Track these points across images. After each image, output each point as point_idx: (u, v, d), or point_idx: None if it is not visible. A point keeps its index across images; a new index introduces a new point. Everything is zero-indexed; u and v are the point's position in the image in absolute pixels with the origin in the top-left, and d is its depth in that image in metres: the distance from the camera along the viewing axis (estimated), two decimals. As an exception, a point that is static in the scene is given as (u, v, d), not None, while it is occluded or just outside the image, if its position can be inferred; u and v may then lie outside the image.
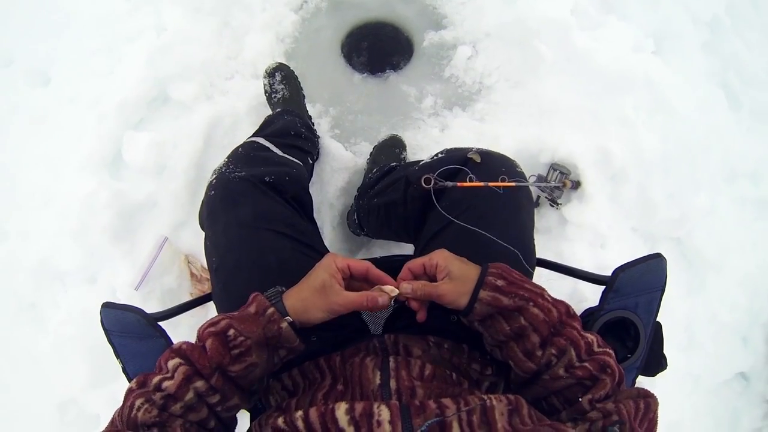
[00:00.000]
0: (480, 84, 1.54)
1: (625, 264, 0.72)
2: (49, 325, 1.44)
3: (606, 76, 1.42)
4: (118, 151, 1.41)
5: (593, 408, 0.51)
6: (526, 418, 0.47)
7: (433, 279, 0.62)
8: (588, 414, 0.51)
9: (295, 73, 1.41)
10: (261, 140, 0.98)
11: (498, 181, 0.72)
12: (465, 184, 0.70)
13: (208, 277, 1.31)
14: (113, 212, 1.33)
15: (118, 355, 0.72)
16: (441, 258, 0.61)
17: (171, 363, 0.53)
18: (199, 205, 0.82)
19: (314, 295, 0.58)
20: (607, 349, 0.56)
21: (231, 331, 0.54)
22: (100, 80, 1.54)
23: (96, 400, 1.37)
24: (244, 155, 0.88)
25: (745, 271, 1.56)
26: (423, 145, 1.48)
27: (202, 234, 1.34)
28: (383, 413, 0.46)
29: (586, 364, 0.53)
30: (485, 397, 0.48)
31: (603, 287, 0.75)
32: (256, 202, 0.76)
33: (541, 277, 0.80)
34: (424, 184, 0.71)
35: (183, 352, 0.54)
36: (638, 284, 0.73)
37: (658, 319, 0.77)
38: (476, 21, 1.56)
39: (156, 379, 0.52)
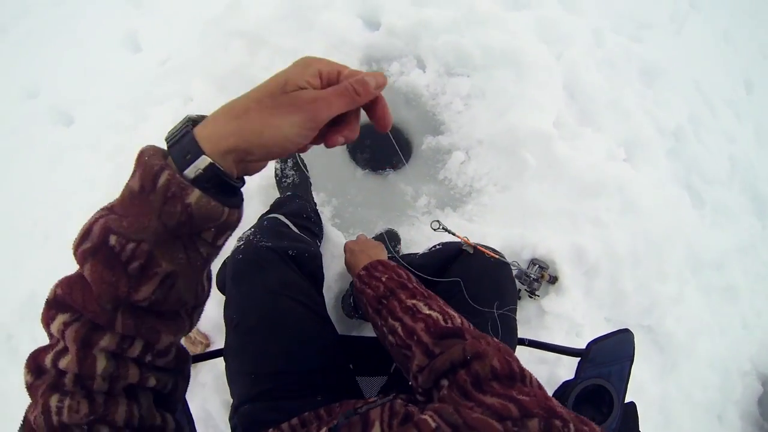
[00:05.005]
0: (470, 187, 1.71)
1: (597, 337, 0.83)
2: (23, 360, 1.54)
3: (582, 182, 1.63)
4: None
5: None
6: None
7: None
8: None
9: (305, 162, 1.54)
10: (281, 218, 1.06)
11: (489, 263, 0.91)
12: (466, 240, 0.88)
13: (202, 340, 1.46)
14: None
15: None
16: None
17: (55, 325, 0.39)
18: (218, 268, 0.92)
19: (274, 100, 0.37)
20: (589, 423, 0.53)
21: (112, 238, 0.37)
22: (123, 134, 1.62)
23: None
24: (270, 228, 0.96)
25: (715, 353, 1.70)
26: (416, 240, 1.62)
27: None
28: None
29: None
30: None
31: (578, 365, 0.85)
32: (282, 271, 0.83)
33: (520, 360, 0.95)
34: (431, 228, 0.91)
35: (60, 298, 0.39)
36: (610, 354, 0.83)
37: (631, 399, 0.87)
38: (470, 129, 1.75)
39: (49, 358, 0.39)
